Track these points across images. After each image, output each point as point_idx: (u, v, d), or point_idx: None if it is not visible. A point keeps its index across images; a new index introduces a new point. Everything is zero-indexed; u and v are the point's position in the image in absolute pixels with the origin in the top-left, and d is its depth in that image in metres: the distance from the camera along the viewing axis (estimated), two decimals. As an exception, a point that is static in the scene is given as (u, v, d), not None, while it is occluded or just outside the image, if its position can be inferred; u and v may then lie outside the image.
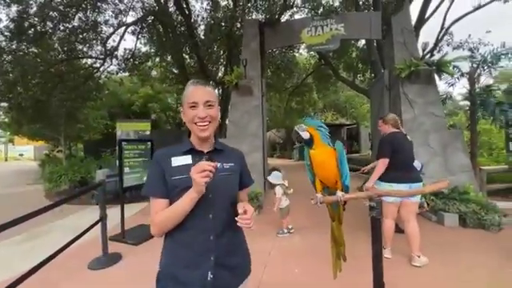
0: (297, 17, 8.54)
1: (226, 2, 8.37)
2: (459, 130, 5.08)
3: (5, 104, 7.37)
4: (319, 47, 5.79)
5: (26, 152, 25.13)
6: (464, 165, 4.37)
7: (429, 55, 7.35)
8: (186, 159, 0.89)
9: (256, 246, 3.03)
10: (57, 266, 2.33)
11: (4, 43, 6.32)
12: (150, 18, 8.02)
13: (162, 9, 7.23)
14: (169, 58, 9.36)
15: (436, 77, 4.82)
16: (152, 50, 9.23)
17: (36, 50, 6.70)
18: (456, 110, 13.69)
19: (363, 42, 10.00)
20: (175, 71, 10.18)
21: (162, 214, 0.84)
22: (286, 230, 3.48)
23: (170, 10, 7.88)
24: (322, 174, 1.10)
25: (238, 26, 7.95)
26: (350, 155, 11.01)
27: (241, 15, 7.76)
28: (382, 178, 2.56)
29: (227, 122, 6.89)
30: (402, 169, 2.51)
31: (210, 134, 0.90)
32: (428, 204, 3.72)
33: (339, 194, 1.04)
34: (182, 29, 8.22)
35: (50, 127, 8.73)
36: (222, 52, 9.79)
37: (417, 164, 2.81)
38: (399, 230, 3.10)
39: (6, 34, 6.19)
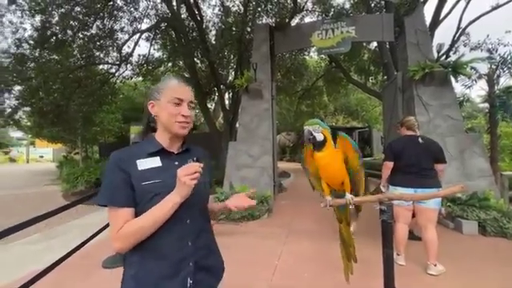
0: (307, 20, 8.54)
1: (236, 8, 8.50)
2: (478, 134, 4.88)
3: (27, 108, 7.76)
4: (330, 50, 5.76)
5: (45, 154, 26.32)
6: (483, 169, 4.18)
7: (444, 57, 7.14)
8: (155, 161, 0.80)
9: (265, 249, 3.06)
10: (72, 264, 2.41)
11: (28, 51, 6.71)
12: (164, 25, 8.26)
13: (175, 15, 7.44)
14: (181, 63, 9.58)
15: (452, 79, 4.67)
16: (165, 56, 9.48)
17: (57, 57, 7.05)
18: (475, 112, 13.16)
19: (375, 44, 9.85)
20: (187, 76, 10.38)
21: (131, 225, 0.73)
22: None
23: (183, 16, 8.10)
24: (328, 176, 1.09)
25: (249, 30, 8.05)
26: (363, 159, 10.78)
27: (251, 20, 7.86)
28: (389, 181, 2.61)
29: (237, 125, 6.95)
30: (405, 173, 2.47)
31: (186, 133, 0.85)
32: (445, 210, 3.57)
33: (348, 196, 1.03)
34: (194, 34, 8.41)
35: (68, 130, 9.13)
36: (232, 56, 9.92)
37: None
38: (414, 236, 3.00)
39: (30, 42, 6.57)
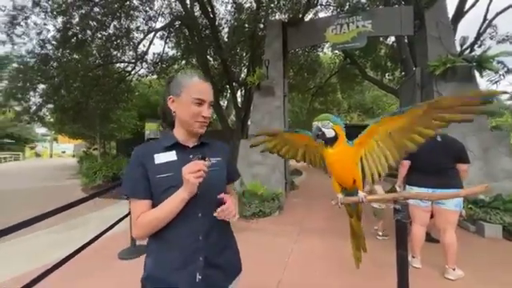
0: (321, 15, 8.35)
1: (249, 4, 8.46)
2: (504, 132, 4.60)
3: (50, 105, 8.16)
4: (344, 45, 5.61)
5: (67, 149, 27.68)
6: (509, 170, 3.93)
7: (468, 51, 6.75)
8: (171, 155, 0.83)
9: (276, 246, 3.06)
10: (90, 255, 2.52)
11: (51, 51, 7.03)
12: (177, 23, 8.38)
13: (189, 13, 7.52)
14: (194, 60, 9.70)
15: (476, 74, 4.41)
16: (178, 54, 9.63)
17: (77, 57, 7.35)
18: (501, 110, 12.38)
19: (393, 38, 9.49)
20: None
21: (148, 215, 0.78)
22: (380, 233, 3.30)
23: (196, 14, 8.17)
24: (336, 174, 1.06)
25: (261, 26, 8.00)
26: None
27: (264, 16, 7.80)
28: (405, 181, 2.54)
29: (249, 122, 6.95)
30: (421, 172, 2.37)
31: (204, 131, 0.87)
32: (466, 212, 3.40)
33: (361, 194, 0.99)
34: (207, 32, 8.48)
35: (88, 127, 9.53)
36: (244, 53, 9.92)
37: None
38: (431, 239, 2.88)
39: (53, 42, 6.89)
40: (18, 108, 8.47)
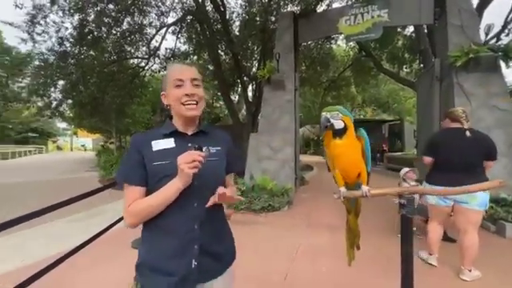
0: (334, 6, 8.08)
1: (259, -2, 8.33)
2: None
3: (70, 101, 8.52)
4: (358, 37, 5.40)
5: (86, 143, 28.92)
6: (536, 168, 3.68)
7: (494, 40, 6.32)
8: (169, 142, 0.82)
9: (284, 240, 3.06)
10: (104, 243, 2.62)
11: (69, 48, 7.30)
12: (189, 18, 8.41)
13: (200, 8, 7.52)
14: (205, 55, 9.73)
15: (502, 64, 4.12)
16: (190, 49, 9.70)
17: (93, 53, 7.58)
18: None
19: (411, 28, 9.04)
20: (211, 68, 10.56)
21: (141, 203, 0.78)
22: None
23: (207, 8, 8.16)
24: (340, 166, 1.02)
25: (273, 19, 7.87)
26: (392, 154, 10.15)
27: (276, 8, 7.65)
28: (426, 180, 2.36)
29: (259, 117, 6.92)
30: (446, 170, 2.17)
31: (198, 114, 0.84)
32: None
33: (365, 188, 0.96)
34: (218, 26, 8.46)
35: (104, 121, 9.87)
36: (256, 47, 9.83)
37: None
38: (447, 238, 2.77)
39: (70, 40, 7.14)
40: (40, 103, 8.91)
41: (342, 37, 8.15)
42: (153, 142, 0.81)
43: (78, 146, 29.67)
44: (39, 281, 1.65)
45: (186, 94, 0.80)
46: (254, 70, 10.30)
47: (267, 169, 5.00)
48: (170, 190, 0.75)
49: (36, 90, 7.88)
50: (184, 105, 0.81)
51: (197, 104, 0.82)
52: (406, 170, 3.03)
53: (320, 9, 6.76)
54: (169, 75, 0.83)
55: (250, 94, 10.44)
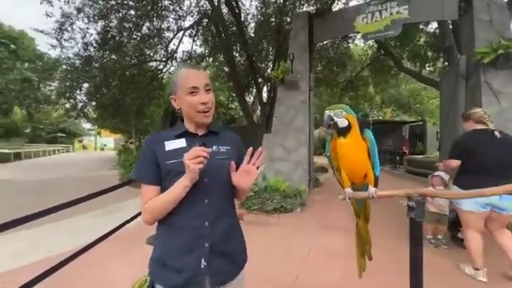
0: (351, 4, 7.89)
1: (274, -1, 8.32)
2: None
3: (93, 103, 9.01)
4: (376, 35, 5.22)
5: (109, 143, 30.40)
6: None
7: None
8: (180, 143, 0.84)
9: (296, 242, 3.02)
10: (121, 238, 2.75)
11: (93, 53, 7.73)
12: (205, 21, 8.59)
13: (216, 11, 7.66)
14: (221, 57, 9.88)
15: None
16: (206, 51, 9.89)
17: (115, 57, 7.97)
18: None
19: (435, 24, 8.60)
20: (226, 70, 10.70)
21: (154, 201, 0.81)
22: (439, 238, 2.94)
23: (223, 11, 8.29)
24: (345, 166, 0.99)
25: (288, 20, 7.83)
26: (412, 157, 9.69)
27: (291, 9, 7.61)
28: (457, 185, 2.22)
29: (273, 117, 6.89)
30: (475, 172, 2.05)
31: (211, 120, 0.87)
32: None
33: (372, 190, 0.92)
34: (234, 28, 8.57)
35: (125, 122, 10.32)
36: (271, 48, 9.83)
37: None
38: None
39: (94, 45, 7.56)
40: (67, 105, 9.50)
41: (359, 36, 7.96)
42: (165, 142, 0.84)
43: (102, 146, 31.32)
44: (61, 270, 1.77)
45: (202, 103, 0.82)
46: (268, 71, 10.30)
47: (280, 170, 4.97)
48: (178, 188, 0.77)
49: (63, 93, 8.42)
50: (199, 112, 0.83)
51: (210, 110, 0.85)
52: (437, 173, 2.86)
53: (336, 8, 6.62)
54: (181, 81, 0.84)
55: (264, 95, 10.45)
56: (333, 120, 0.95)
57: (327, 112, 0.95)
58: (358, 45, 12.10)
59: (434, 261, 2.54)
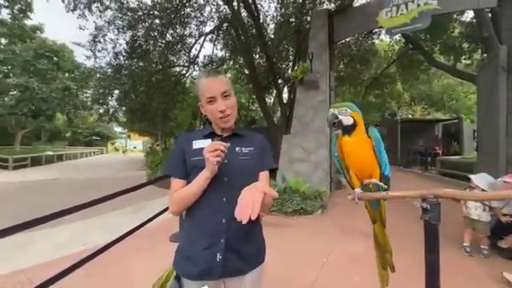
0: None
1: (294, -2, 8.26)
2: None
3: (123, 108, 9.64)
4: (401, 29, 4.94)
5: (137, 145, 32.30)
6: None
7: None
8: (206, 142, 0.90)
9: (315, 244, 2.96)
10: (146, 235, 2.92)
11: (123, 61, 8.29)
12: (225, 25, 8.78)
13: (235, 15, 7.80)
14: (241, 60, 10.02)
15: None
16: (227, 55, 10.10)
17: (142, 64, 8.47)
18: None
19: (471, 13, 7.90)
20: (246, 72, 10.83)
21: (180, 192, 0.88)
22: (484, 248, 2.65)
23: (243, 14, 8.41)
24: (354, 166, 0.95)
25: (308, 19, 7.72)
26: (447, 158, 8.96)
27: (311, 8, 7.50)
28: None
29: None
30: None
31: (232, 124, 0.93)
32: None
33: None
34: (253, 31, 8.65)
35: (152, 125, 10.88)
36: (291, 49, 9.76)
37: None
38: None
39: (124, 54, 8.11)
40: (100, 110, 10.28)
41: (384, 31, 7.56)
42: (193, 141, 0.93)
43: (131, 148, 33.39)
44: (90, 262, 1.92)
45: (220, 111, 0.89)
46: (289, 71, 10.24)
47: (300, 171, 4.90)
48: (199, 180, 0.84)
49: (97, 99, 9.14)
50: (219, 119, 0.90)
51: (230, 115, 0.91)
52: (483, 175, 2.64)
53: (357, 3, 6.38)
54: (201, 90, 0.90)
55: (285, 96, 10.39)
56: (337, 118, 0.93)
57: (331, 110, 0.94)
58: (384, 40, 11.53)
59: (466, 270, 2.33)
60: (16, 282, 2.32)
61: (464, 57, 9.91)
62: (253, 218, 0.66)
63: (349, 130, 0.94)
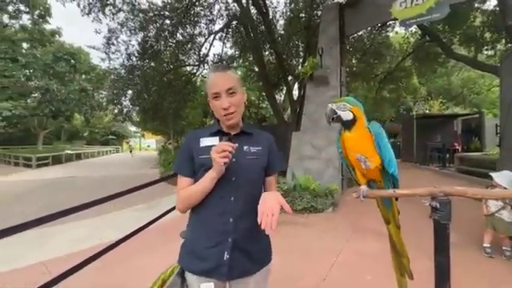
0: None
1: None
2: None
3: (136, 107, 9.90)
4: (417, 20, 4.72)
5: (151, 144, 33.14)
6: None
7: None
8: (214, 140, 0.90)
9: (325, 243, 2.92)
10: (158, 231, 2.99)
11: (135, 62, 8.49)
12: (234, 23, 8.77)
13: (245, 12, 7.76)
14: (250, 57, 10.00)
15: None
16: (236, 53, 10.10)
17: (153, 64, 8.63)
18: None
19: (494, 1, 7.45)
20: (256, 69, 10.79)
21: (186, 190, 0.88)
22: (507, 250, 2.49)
23: (252, 11, 8.37)
24: (355, 162, 0.91)
25: (319, 14, 7.56)
26: (466, 154, 8.55)
27: (321, 2, 7.34)
28: None
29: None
30: None
31: (236, 121, 0.91)
32: None
33: (363, 187, 0.84)
34: (262, 28, 8.59)
35: (164, 124, 11.11)
36: (301, 45, 9.62)
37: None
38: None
39: (136, 55, 8.30)
40: (115, 110, 10.61)
41: (398, 23, 7.25)
42: (201, 139, 0.91)
43: (145, 147, 34.30)
44: (105, 257, 1.99)
45: (223, 108, 0.87)
46: (299, 68, 10.10)
47: (310, 168, 4.83)
48: (206, 180, 0.83)
49: (112, 100, 9.44)
50: (222, 116, 0.89)
51: (234, 113, 0.88)
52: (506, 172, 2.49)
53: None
54: (208, 86, 0.90)
55: (295, 92, 10.27)
56: (336, 113, 0.90)
57: (330, 105, 0.90)
58: (399, 33, 11.10)
59: (485, 273, 2.21)
60: (37, 272, 2.45)
61: (486, 47, 9.35)
62: (274, 228, 0.72)
63: (349, 125, 0.91)
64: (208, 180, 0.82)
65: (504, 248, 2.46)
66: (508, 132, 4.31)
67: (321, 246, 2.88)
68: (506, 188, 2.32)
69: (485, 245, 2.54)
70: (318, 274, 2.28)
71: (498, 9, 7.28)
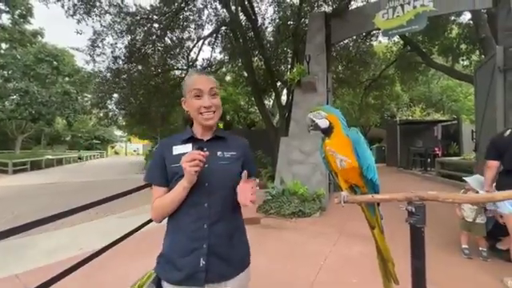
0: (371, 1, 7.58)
1: (291, 1, 8.31)
2: None
3: (123, 111, 9.66)
4: (399, 30, 4.96)
5: (137, 149, 32.35)
6: None
7: None
8: (187, 147, 0.88)
9: (313, 247, 2.94)
10: (147, 236, 2.90)
11: (122, 65, 8.32)
12: (223, 29, 8.82)
13: (234, 18, 7.83)
14: (239, 63, 10.06)
15: None
16: (225, 58, 10.13)
17: (141, 68, 8.49)
18: None
19: (468, 15, 7.94)
20: (245, 75, 10.86)
21: (160, 200, 0.86)
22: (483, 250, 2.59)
23: (241, 17, 8.46)
24: (335, 168, 0.94)
25: (306, 22, 7.76)
26: (446, 159, 8.94)
27: (308, 11, 7.53)
28: (497, 187, 2.11)
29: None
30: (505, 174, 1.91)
31: (214, 123, 0.90)
32: None
33: (343, 193, 0.87)
34: (251, 34, 8.69)
35: (152, 128, 10.90)
36: (289, 51, 9.80)
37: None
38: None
39: (122, 58, 8.13)
40: (100, 114, 10.30)
41: (381, 33, 7.56)
42: (173, 147, 0.89)
43: (131, 151, 33.44)
44: (87, 266, 1.91)
45: (205, 106, 0.86)
46: (287, 74, 10.25)
47: (298, 173, 4.88)
48: (179, 188, 0.82)
49: (97, 103, 9.16)
50: (202, 114, 0.87)
51: (214, 113, 0.88)
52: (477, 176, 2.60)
53: (353, 6, 6.41)
54: (188, 84, 0.89)
55: (284, 98, 10.40)
56: (313, 122, 0.92)
57: (308, 115, 0.94)
58: (382, 42, 11.57)
59: (464, 273, 2.31)
60: (10, 286, 2.30)
61: (462, 58, 9.94)
62: (252, 199, 0.77)
63: (327, 132, 0.94)
64: (180, 189, 0.81)
65: (481, 249, 2.57)
66: (483, 137, 4.56)
67: (308, 250, 2.90)
68: (478, 191, 2.45)
69: (463, 246, 2.65)
70: (305, 278, 2.29)
71: (472, 22, 7.77)
